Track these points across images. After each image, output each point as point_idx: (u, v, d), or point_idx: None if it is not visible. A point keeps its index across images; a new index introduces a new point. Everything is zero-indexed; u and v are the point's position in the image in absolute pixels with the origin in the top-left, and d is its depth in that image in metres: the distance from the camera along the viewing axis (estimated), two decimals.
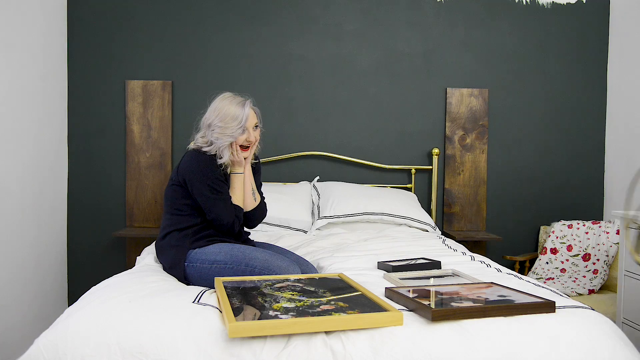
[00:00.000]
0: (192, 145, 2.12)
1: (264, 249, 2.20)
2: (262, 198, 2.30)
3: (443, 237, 2.93)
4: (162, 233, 2.09)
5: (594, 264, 3.07)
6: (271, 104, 3.44)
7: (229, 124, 2.02)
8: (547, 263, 3.24)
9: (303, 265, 2.11)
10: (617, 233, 3.07)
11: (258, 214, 2.25)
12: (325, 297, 1.57)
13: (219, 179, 2.04)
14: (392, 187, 3.46)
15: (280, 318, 1.36)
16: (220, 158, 2.05)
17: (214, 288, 1.78)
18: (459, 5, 3.53)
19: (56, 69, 3.28)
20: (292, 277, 1.81)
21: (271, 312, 1.41)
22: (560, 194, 3.60)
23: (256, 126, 2.11)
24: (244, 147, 2.11)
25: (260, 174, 2.33)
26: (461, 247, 2.64)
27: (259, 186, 2.31)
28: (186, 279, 1.98)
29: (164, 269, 2.06)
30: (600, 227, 3.17)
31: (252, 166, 2.24)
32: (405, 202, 3.20)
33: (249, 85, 3.43)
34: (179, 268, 1.98)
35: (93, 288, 1.75)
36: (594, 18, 3.56)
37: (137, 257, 2.35)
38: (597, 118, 3.60)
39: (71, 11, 3.39)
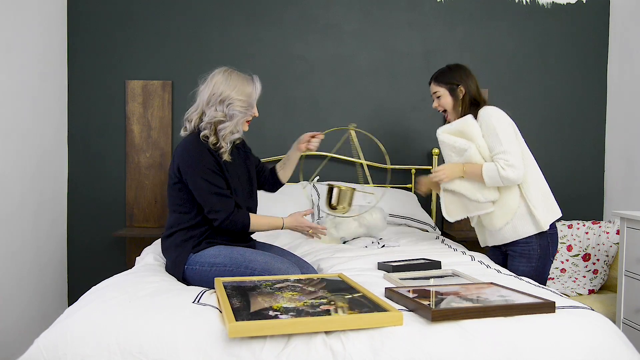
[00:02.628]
0: (186, 131, 2.09)
1: (264, 250, 2.21)
2: (273, 170, 2.41)
3: (442, 237, 2.93)
4: (168, 232, 2.07)
5: (594, 264, 3.07)
6: (271, 104, 3.44)
7: (246, 97, 2.05)
8: None
9: (303, 267, 2.11)
10: (617, 233, 3.07)
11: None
12: (325, 297, 1.57)
13: (213, 170, 1.99)
14: (392, 187, 3.46)
15: (280, 318, 1.36)
16: (236, 133, 2.05)
17: (214, 288, 1.78)
18: (459, 6, 3.53)
19: (56, 69, 3.28)
20: (292, 277, 1.81)
21: (271, 312, 1.41)
22: (560, 194, 3.58)
23: None
24: (248, 121, 2.14)
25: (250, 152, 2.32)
26: (461, 247, 2.64)
27: (257, 162, 2.36)
28: (186, 281, 1.98)
29: (166, 268, 2.06)
30: (600, 227, 3.16)
31: (242, 148, 2.24)
32: (405, 202, 3.20)
33: None
34: (179, 270, 1.98)
35: (93, 288, 1.75)
36: (594, 18, 3.56)
37: (137, 258, 2.36)
38: (597, 118, 3.59)
39: (71, 11, 3.39)
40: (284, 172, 2.40)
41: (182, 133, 2.11)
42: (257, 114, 2.14)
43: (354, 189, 2.28)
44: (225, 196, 1.99)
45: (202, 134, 2.02)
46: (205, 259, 1.95)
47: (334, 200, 2.25)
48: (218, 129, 2.03)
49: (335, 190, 2.26)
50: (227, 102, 2.02)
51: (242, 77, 2.08)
